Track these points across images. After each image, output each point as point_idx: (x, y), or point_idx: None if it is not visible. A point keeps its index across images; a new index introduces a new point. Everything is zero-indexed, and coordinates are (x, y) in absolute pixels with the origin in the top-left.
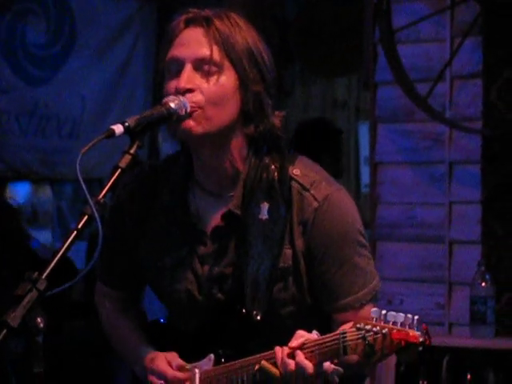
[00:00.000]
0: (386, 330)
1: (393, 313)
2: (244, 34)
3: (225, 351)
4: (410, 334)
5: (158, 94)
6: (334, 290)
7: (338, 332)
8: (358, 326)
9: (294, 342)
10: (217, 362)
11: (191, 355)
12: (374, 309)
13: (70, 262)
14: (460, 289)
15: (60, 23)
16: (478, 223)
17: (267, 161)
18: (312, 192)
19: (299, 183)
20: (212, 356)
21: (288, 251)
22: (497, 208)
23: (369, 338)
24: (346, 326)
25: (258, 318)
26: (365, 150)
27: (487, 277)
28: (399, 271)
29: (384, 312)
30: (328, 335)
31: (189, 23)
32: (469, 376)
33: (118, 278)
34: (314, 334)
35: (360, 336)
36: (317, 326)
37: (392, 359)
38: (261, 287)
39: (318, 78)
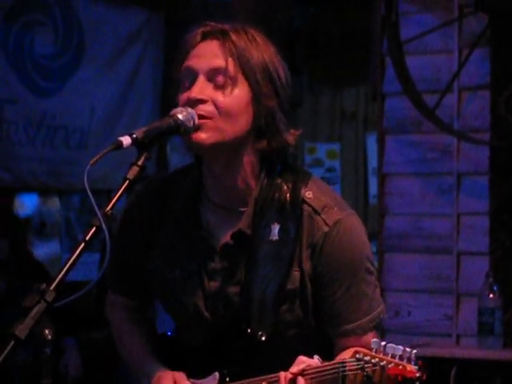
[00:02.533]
0: (384, 362)
1: (392, 345)
2: (260, 49)
3: (230, 370)
4: (408, 368)
5: (168, 104)
6: (338, 315)
7: (337, 361)
8: (358, 356)
9: (294, 368)
10: (221, 381)
11: (196, 371)
12: (374, 339)
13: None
14: (468, 300)
15: (68, 34)
16: (486, 234)
17: (279, 180)
18: (323, 216)
19: (311, 206)
20: (217, 374)
21: (296, 273)
22: (505, 219)
23: (367, 369)
24: (346, 355)
25: (263, 338)
26: (373, 161)
27: (495, 288)
28: (407, 282)
29: (383, 343)
30: (328, 363)
31: (205, 36)
32: None
33: (128, 285)
34: (316, 359)
35: (359, 367)
36: (321, 349)
37: None
38: (267, 308)
39: (326, 89)
